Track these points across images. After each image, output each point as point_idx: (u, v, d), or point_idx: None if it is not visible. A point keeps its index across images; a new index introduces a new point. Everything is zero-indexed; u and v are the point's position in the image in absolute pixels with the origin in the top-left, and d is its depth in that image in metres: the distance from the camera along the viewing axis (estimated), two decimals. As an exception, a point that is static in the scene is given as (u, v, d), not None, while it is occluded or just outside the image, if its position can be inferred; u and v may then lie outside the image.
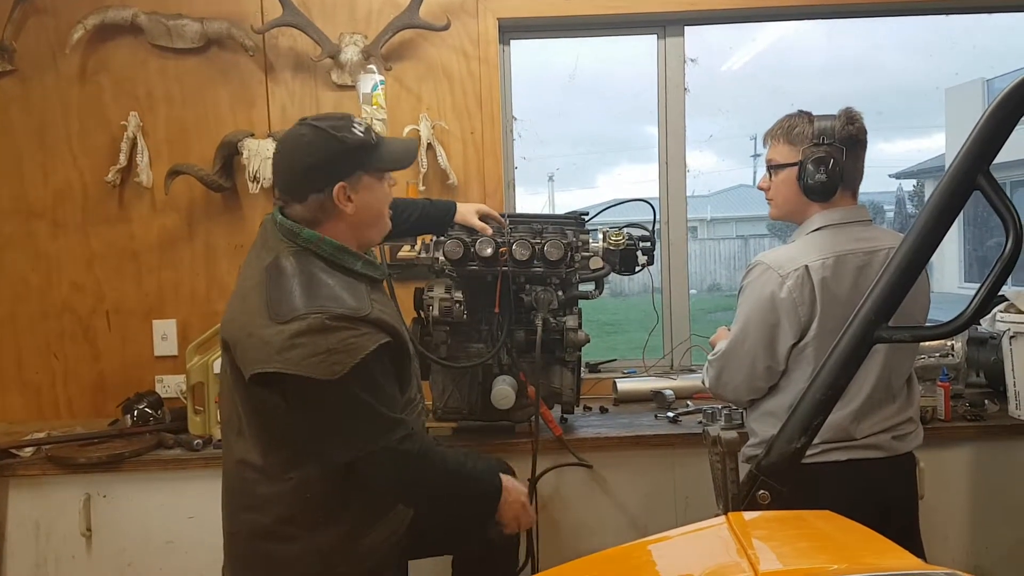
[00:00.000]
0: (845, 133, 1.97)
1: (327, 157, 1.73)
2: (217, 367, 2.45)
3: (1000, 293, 2.53)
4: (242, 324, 1.69)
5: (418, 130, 2.81)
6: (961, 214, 1.34)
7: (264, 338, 1.62)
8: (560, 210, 2.58)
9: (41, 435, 2.56)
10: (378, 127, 2.63)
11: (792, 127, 2.02)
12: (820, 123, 1.98)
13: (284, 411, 1.68)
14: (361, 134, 1.76)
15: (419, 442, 1.74)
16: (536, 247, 2.27)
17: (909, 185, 12.93)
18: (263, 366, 1.62)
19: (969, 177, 1.28)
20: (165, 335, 2.91)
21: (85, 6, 2.78)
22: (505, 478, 1.90)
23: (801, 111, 2.04)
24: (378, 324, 1.69)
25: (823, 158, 1.94)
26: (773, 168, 2.06)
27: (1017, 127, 1.29)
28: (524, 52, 3.06)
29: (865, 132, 2.00)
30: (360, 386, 1.64)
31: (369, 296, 1.74)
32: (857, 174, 2.02)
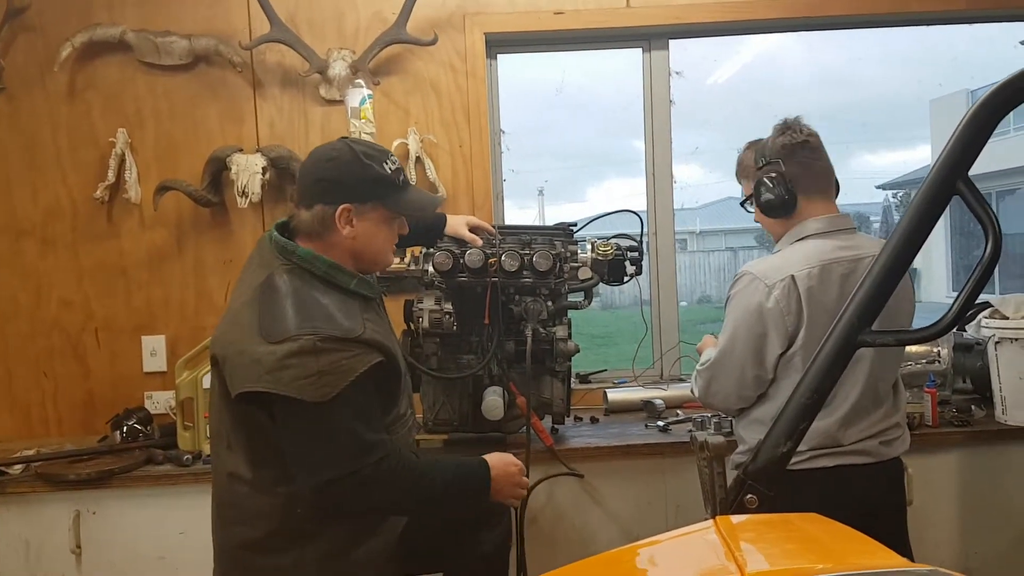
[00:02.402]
0: (777, 145, 2.01)
1: (344, 176, 1.75)
2: (206, 382, 2.44)
3: (985, 300, 2.56)
4: (232, 341, 1.70)
5: (406, 143, 2.82)
6: (948, 224, 1.36)
7: (255, 356, 1.63)
8: (550, 224, 2.59)
9: (30, 452, 2.54)
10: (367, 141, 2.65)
11: (741, 162, 2.15)
12: (756, 146, 2.08)
13: (271, 429, 1.68)
14: (388, 171, 1.79)
15: (393, 460, 1.70)
16: (525, 258, 2.29)
17: (895, 196, 13.05)
18: (252, 385, 1.62)
19: (949, 182, 1.30)
20: (154, 351, 2.90)
21: (73, 24, 2.80)
22: (491, 462, 1.85)
23: (749, 142, 2.16)
24: (370, 344, 1.69)
25: (764, 179, 2.00)
26: (747, 203, 2.17)
27: (1005, 137, 1.31)
28: (511, 66, 3.09)
29: (809, 135, 2.01)
30: (346, 408, 1.64)
31: (362, 315, 1.74)
32: (817, 177, 2.02)
